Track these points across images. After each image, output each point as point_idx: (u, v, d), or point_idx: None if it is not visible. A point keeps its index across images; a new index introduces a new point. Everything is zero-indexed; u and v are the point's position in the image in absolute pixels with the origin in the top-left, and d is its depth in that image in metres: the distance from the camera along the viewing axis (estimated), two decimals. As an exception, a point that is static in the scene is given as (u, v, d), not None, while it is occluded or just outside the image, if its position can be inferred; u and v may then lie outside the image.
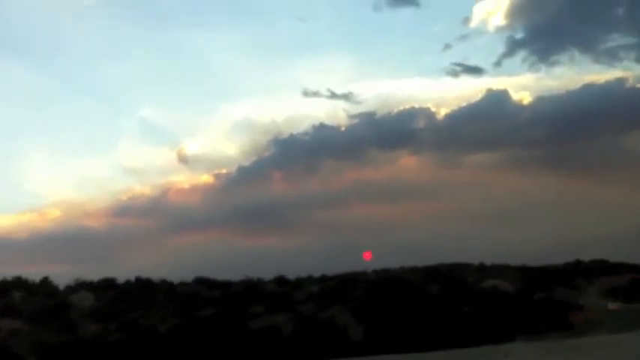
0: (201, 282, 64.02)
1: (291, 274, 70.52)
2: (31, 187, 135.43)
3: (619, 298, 53.60)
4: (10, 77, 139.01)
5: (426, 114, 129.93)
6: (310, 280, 69.31)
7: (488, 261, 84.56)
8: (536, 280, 62.04)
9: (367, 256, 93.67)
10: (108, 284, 61.33)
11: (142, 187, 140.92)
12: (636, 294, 53.06)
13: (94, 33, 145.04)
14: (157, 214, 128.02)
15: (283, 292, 57.62)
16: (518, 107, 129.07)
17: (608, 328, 41.58)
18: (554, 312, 46.05)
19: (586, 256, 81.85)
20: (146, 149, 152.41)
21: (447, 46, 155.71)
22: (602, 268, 69.48)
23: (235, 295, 55.64)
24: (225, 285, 62.42)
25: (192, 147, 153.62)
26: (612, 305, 49.66)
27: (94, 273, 67.63)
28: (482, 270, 76.09)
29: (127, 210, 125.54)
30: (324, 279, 69.17)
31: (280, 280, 65.91)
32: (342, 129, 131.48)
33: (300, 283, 65.71)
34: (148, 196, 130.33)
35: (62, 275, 67.17)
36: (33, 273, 64.25)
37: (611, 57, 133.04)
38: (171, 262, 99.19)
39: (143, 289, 58.53)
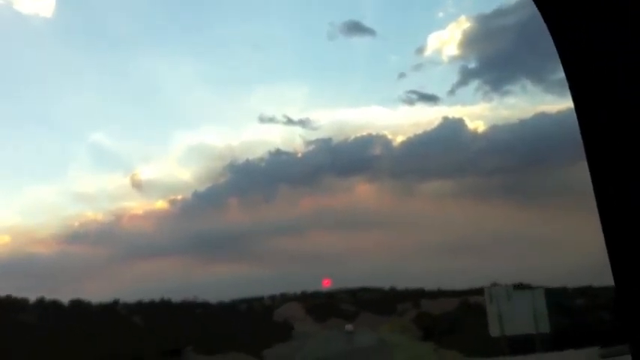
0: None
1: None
2: None
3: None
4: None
5: (383, 141, 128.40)
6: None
7: (444, 287, 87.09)
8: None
9: (326, 283, 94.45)
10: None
11: (94, 213, 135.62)
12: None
13: (45, 57, 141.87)
14: (110, 241, 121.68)
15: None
16: (474, 136, 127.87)
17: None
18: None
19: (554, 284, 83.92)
20: (98, 175, 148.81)
21: (402, 75, 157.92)
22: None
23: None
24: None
25: (147, 172, 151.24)
26: None
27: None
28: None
29: (78, 237, 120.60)
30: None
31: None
32: (299, 155, 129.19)
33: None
34: (101, 222, 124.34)
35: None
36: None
37: (562, 87, 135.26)
38: (125, 289, 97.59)
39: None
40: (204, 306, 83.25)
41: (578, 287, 77.46)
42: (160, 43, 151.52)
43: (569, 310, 58.42)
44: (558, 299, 67.45)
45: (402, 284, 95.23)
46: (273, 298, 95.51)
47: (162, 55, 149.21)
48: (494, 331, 22.12)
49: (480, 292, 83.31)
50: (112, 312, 71.49)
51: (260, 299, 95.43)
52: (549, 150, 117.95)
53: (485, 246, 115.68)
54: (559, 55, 2.69)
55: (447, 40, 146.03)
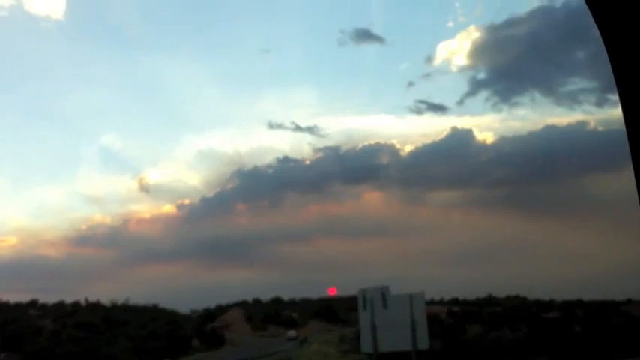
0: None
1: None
2: None
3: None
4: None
5: (391, 150, 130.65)
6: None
7: (447, 297, 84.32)
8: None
9: (332, 291, 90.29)
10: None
11: (102, 217, 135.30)
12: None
13: (56, 59, 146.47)
14: (117, 244, 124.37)
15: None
16: (482, 147, 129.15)
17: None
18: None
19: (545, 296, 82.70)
20: (107, 178, 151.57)
21: (411, 84, 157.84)
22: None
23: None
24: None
25: (154, 176, 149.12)
26: None
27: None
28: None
29: (86, 239, 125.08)
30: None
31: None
32: (307, 163, 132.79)
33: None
34: (108, 225, 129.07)
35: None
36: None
37: (571, 100, 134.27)
38: (131, 293, 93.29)
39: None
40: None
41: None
42: (171, 46, 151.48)
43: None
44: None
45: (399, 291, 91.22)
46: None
47: (172, 58, 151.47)
48: (365, 346, 17.08)
49: (466, 302, 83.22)
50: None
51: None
52: (557, 163, 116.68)
53: (489, 256, 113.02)
54: (607, 53, 2.46)
55: (457, 49, 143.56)
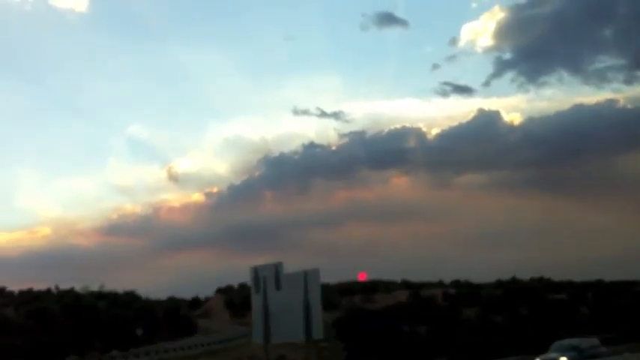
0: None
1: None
2: (21, 205, 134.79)
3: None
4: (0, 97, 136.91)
5: (417, 134, 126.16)
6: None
7: (476, 280, 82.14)
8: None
9: (362, 276, 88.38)
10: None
11: (133, 206, 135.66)
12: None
13: (83, 52, 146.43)
14: (147, 233, 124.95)
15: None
16: (510, 128, 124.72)
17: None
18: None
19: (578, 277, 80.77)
20: (136, 167, 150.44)
21: (436, 66, 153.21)
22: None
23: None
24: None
25: (183, 165, 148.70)
26: None
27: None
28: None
29: (117, 228, 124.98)
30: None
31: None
32: (333, 148, 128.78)
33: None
34: (139, 214, 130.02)
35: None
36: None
37: (600, 78, 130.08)
38: (162, 281, 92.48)
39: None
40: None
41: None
42: (194, 36, 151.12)
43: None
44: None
45: (422, 277, 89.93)
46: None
47: (196, 47, 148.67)
48: (256, 336, 13.81)
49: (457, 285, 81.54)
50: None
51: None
52: (586, 142, 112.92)
53: (516, 238, 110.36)
54: None
55: (481, 30, 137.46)
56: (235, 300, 71.64)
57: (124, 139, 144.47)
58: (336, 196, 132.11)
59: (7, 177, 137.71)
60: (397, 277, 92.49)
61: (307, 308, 12.93)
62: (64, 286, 67.94)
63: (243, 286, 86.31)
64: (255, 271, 13.92)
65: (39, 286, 69.16)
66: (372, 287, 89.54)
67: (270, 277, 13.68)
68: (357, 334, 50.36)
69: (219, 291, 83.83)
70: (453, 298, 75.95)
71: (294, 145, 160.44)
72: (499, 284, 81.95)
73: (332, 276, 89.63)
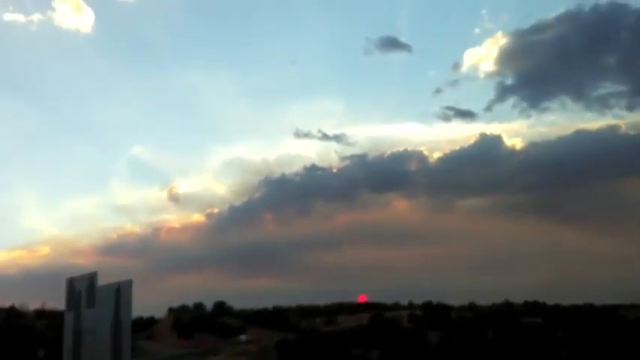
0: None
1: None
2: (22, 224, 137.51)
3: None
4: (3, 116, 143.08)
5: (419, 157, 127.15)
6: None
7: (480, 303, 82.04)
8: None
9: (362, 298, 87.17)
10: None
11: (132, 226, 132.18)
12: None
13: (87, 74, 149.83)
14: (147, 253, 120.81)
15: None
16: (511, 153, 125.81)
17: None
18: None
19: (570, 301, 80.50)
20: (137, 188, 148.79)
21: (438, 91, 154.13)
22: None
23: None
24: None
25: (183, 186, 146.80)
26: None
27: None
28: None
29: (116, 248, 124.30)
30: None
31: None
32: (334, 170, 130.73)
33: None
34: (138, 234, 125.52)
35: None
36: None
37: (602, 104, 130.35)
38: (162, 302, 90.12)
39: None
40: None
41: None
42: (198, 58, 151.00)
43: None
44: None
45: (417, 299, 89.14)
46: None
47: (200, 70, 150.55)
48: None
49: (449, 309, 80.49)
50: None
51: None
52: (588, 167, 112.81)
53: (514, 262, 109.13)
54: None
55: (484, 56, 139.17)
56: (184, 320, 68.35)
57: (126, 160, 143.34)
58: (337, 218, 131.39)
59: (8, 196, 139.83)
60: (390, 300, 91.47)
61: (117, 326, 10.88)
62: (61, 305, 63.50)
63: (198, 306, 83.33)
64: (71, 284, 11.82)
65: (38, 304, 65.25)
66: (337, 309, 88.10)
67: (84, 291, 11.59)
68: (301, 358, 48.01)
69: (171, 311, 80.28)
70: (419, 319, 74.41)
71: (295, 167, 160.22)
72: (471, 307, 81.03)
73: (325, 297, 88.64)
